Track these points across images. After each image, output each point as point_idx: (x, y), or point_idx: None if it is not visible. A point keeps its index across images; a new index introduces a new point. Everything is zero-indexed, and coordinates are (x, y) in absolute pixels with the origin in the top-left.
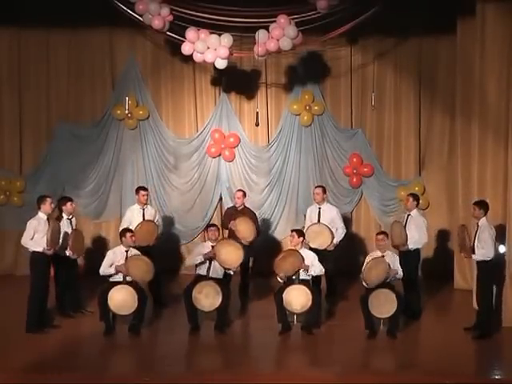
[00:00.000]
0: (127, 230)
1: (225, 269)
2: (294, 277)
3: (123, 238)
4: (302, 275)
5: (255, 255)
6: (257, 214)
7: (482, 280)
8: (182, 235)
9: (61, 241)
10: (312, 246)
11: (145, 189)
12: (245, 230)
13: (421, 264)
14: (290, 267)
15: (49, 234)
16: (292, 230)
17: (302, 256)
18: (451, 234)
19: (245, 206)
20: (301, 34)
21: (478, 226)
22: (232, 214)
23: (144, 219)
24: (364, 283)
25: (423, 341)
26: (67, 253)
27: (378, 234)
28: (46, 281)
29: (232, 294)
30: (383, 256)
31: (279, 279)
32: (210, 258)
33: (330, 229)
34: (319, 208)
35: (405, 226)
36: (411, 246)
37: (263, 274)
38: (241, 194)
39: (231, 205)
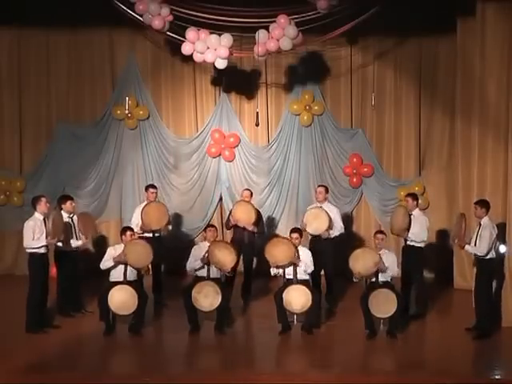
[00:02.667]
0: (128, 228)
1: (217, 269)
2: (291, 276)
3: (123, 236)
4: (301, 275)
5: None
6: None
7: (480, 279)
8: (181, 235)
9: (62, 236)
10: (308, 230)
11: (154, 187)
12: (243, 214)
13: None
14: (281, 256)
15: (50, 225)
16: (291, 232)
17: (295, 248)
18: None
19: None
20: (301, 34)
21: (480, 224)
22: None
23: None
24: (354, 277)
25: (423, 341)
26: (78, 242)
27: (377, 233)
28: (45, 281)
29: (234, 294)
30: (379, 254)
31: (272, 271)
32: (208, 261)
33: (328, 215)
34: (320, 207)
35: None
36: (410, 236)
37: (263, 274)
38: (248, 193)
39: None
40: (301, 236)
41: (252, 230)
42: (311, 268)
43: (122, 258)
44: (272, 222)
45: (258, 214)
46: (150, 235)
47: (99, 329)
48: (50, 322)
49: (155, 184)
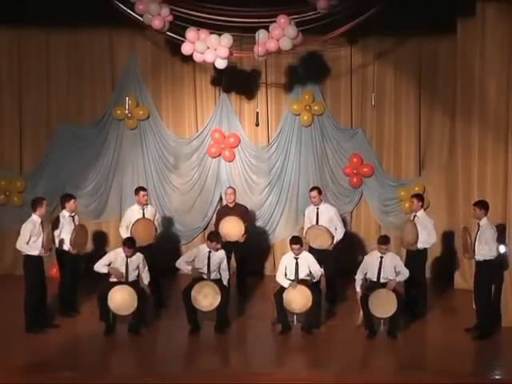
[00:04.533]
0: (128, 242)
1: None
2: (293, 277)
3: (125, 248)
4: (302, 275)
5: (248, 254)
6: (257, 214)
7: (480, 280)
8: (181, 235)
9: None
10: (312, 245)
11: (144, 189)
12: (231, 231)
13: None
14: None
15: (73, 237)
16: (291, 241)
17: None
18: (451, 233)
19: (236, 203)
20: (301, 33)
21: (479, 225)
22: (223, 213)
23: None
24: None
25: (423, 341)
26: (66, 248)
27: (380, 243)
28: (41, 282)
29: (232, 293)
30: (382, 257)
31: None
32: (196, 273)
33: (328, 230)
34: (317, 208)
35: None
36: (420, 245)
37: (263, 273)
38: (231, 190)
39: (224, 204)
40: (301, 246)
41: (243, 240)
42: (321, 272)
43: (118, 274)
44: (272, 222)
45: (242, 212)
46: None
47: (99, 329)
48: (49, 322)
49: (153, 184)
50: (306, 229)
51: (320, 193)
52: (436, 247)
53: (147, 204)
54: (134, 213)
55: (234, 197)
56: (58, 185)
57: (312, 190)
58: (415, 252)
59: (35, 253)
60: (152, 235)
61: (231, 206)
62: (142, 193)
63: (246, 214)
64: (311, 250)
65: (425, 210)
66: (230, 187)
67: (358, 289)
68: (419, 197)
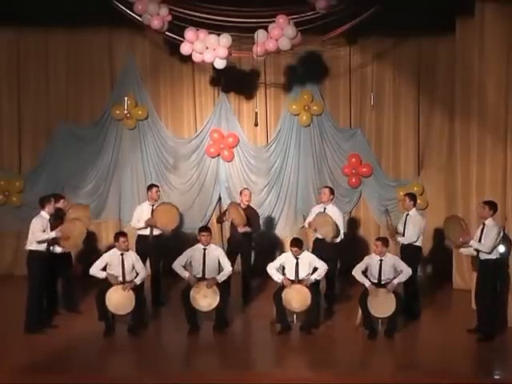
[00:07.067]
0: (120, 234)
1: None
2: (293, 277)
3: (116, 243)
4: (302, 275)
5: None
6: None
7: (482, 280)
8: (180, 235)
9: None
10: (318, 232)
11: (157, 186)
12: (235, 216)
13: (420, 264)
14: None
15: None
16: (291, 245)
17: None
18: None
19: (249, 206)
20: (300, 33)
21: (484, 224)
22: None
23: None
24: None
25: (422, 341)
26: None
27: (376, 239)
28: (44, 280)
29: (233, 293)
30: (381, 260)
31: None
32: (192, 280)
33: (335, 223)
34: (324, 208)
35: (404, 225)
36: (399, 239)
37: (262, 273)
38: (248, 192)
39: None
40: (300, 248)
41: (244, 231)
42: (324, 268)
43: (114, 279)
44: (271, 222)
45: (252, 214)
46: (147, 233)
47: (99, 329)
48: (49, 322)
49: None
50: (314, 215)
51: (332, 193)
52: (434, 247)
53: (158, 201)
54: (144, 211)
55: (248, 198)
56: (57, 185)
57: (325, 187)
58: (409, 251)
59: (46, 240)
60: (174, 219)
61: (243, 206)
62: (154, 189)
63: (255, 218)
64: (313, 246)
65: (423, 209)
66: (247, 188)
67: (362, 278)
68: (412, 196)
